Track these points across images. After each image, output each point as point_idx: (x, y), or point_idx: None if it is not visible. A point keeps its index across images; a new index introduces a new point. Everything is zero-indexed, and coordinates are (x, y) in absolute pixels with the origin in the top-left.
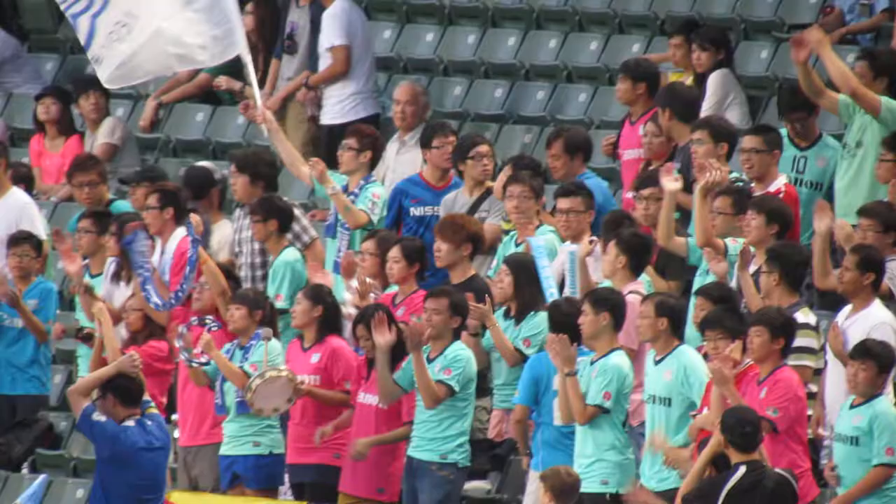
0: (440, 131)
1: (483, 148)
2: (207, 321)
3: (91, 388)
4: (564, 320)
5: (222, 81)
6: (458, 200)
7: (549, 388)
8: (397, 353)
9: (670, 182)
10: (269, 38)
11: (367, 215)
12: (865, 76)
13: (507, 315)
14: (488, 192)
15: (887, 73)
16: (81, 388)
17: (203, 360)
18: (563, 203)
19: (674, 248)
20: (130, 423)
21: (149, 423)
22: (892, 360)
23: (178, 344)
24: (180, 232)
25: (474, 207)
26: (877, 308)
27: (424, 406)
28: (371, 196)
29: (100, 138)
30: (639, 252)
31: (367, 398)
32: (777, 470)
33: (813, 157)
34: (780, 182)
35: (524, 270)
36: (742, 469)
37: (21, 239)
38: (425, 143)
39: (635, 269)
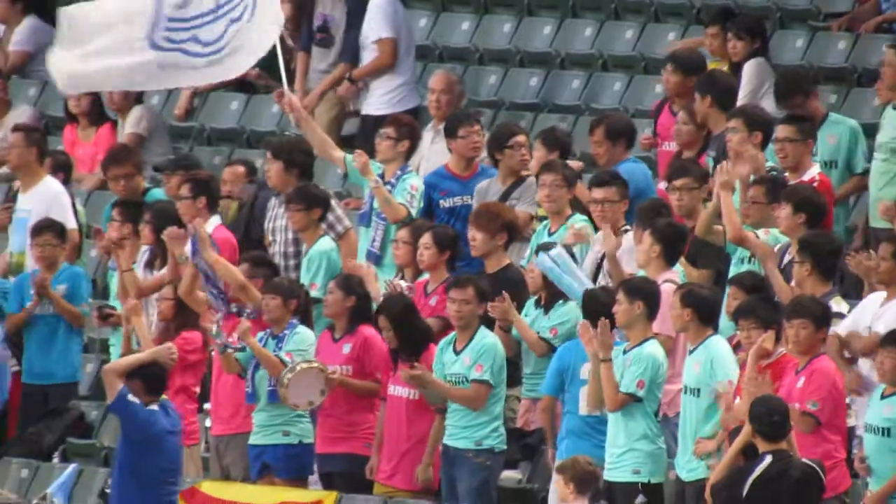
0: (465, 121)
1: (520, 138)
2: (244, 310)
3: (127, 369)
4: (599, 309)
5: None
6: (490, 189)
7: (576, 378)
8: (419, 342)
9: (721, 177)
10: (307, 30)
11: (406, 209)
12: (894, 65)
13: (537, 304)
14: (521, 180)
15: None
16: (119, 369)
17: (238, 345)
18: (598, 193)
19: (712, 238)
20: (154, 407)
21: (168, 408)
22: None
23: (213, 331)
24: (214, 220)
25: (505, 196)
26: None
27: (471, 409)
28: (409, 188)
29: (126, 128)
30: (673, 242)
31: (398, 390)
32: (804, 460)
33: (822, 137)
34: (814, 171)
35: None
36: (768, 458)
37: (42, 228)
38: (450, 133)
39: (669, 259)
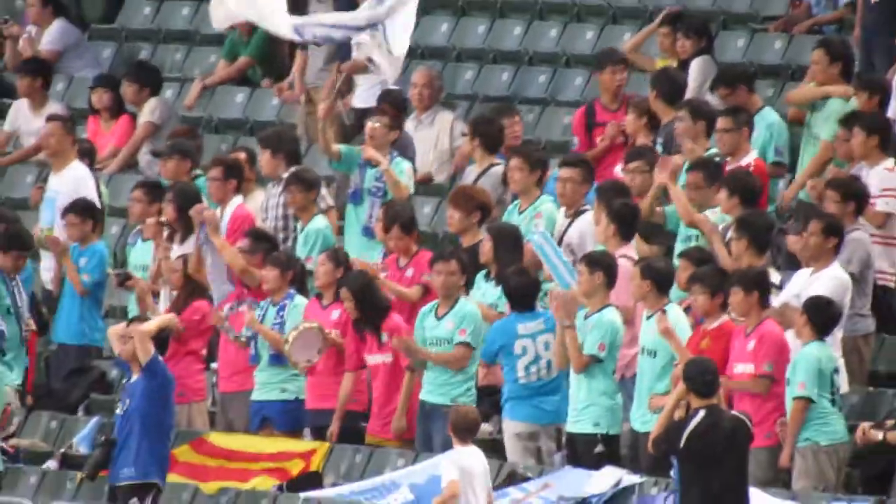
0: (506, 113)
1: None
2: (246, 301)
3: (154, 333)
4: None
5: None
6: (468, 176)
7: (511, 353)
8: (378, 315)
9: (662, 174)
10: None
11: (408, 189)
12: (821, 62)
13: (487, 277)
14: (491, 165)
15: (840, 59)
16: (150, 332)
17: (246, 334)
18: (564, 172)
19: (654, 218)
20: None
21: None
22: (832, 317)
23: (223, 326)
24: (237, 199)
25: (478, 178)
26: (836, 269)
27: (452, 369)
28: (406, 171)
29: (142, 117)
30: (627, 220)
31: (375, 358)
32: (733, 412)
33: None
34: (751, 156)
35: (503, 238)
36: (701, 413)
37: (66, 211)
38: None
39: (625, 236)
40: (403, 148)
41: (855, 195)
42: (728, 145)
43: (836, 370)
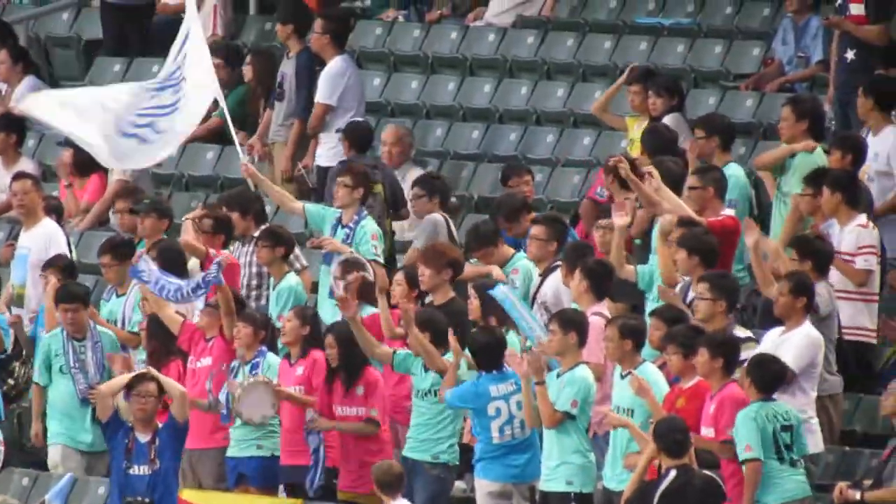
0: (516, 171)
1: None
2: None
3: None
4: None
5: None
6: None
7: (484, 414)
8: (358, 365)
9: (620, 218)
10: (269, 87)
11: (377, 260)
12: (788, 119)
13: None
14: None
15: (808, 116)
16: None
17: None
18: (534, 229)
19: (625, 275)
20: None
21: None
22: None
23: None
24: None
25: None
26: (807, 327)
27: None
28: (370, 240)
29: (114, 175)
30: (600, 278)
31: (345, 410)
32: (705, 472)
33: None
34: (723, 213)
35: (489, 294)
36: (673, 473)
37: (46, 266)
38: (503, 182)
39: (597, 293)
40: (390, 179)
41: (814, 253)
42: (696, 202)
43: (786, 428)
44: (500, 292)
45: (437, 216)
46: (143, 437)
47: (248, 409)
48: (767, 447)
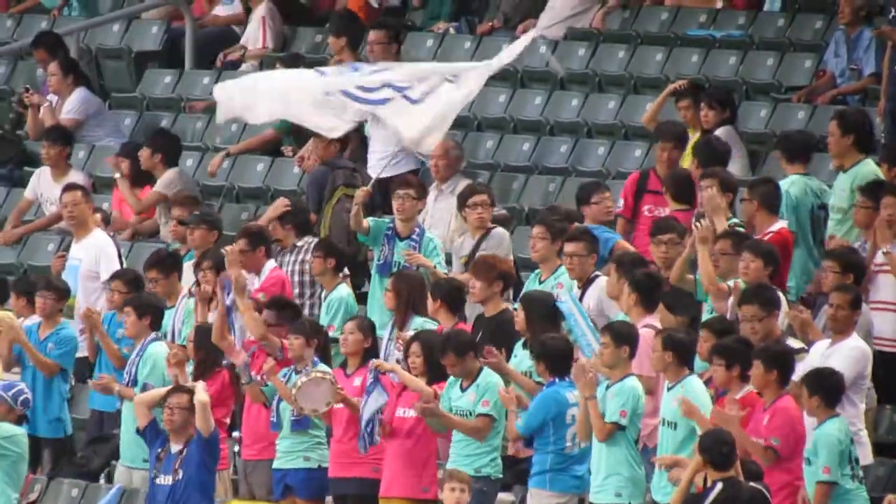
0: (597, 189)
1: (478, 198)
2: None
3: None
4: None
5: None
6: (464, 244)
7: (563, 421)
8: (441, 376)
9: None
10: None
11: (442, 272)
12: (835, 134)
13: (524, 346)
14: (488, 233)
15: (854, 130)
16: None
17: (260, 379)
18: (568, 247)
19: (683, 285)
20: None
21: None
22: (838, 387)
23: (239, 369)
24: (270, 263)
25: (476, 248)
26: (856, 339)
27: (476, 440)
28: (438, 250)
29: (157, 186)
30: (649, 290)
31: (407, 412)
32: (751, 484)
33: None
34: (776, 226)
35: (535, 306)
36: (719, 486)
37: (112, 279)
38: (584, 201)
39: (647, 306)
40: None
41: (855, 266)
42: (745, 215)
43: (852, 442)
44: (566, 306)
45: (502, 230)
46: (175, 448)
47: (303, 398)
48: (844, 465)
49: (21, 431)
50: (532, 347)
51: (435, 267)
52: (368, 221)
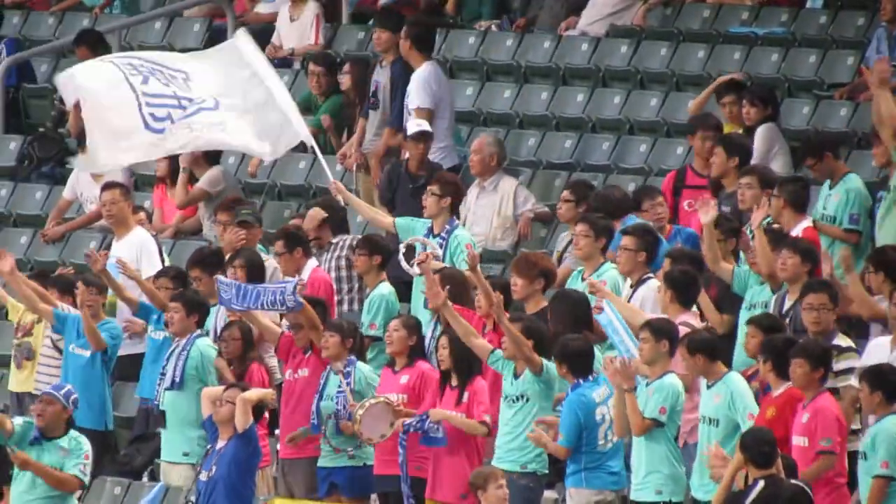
0: (648, 195)
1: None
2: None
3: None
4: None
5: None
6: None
7: (592, 422)
8: (471, 369)
9: (705, 214)
10: (364, 95)
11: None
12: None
13: None
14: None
15: None
16: (254, 400)
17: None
18: (623, 241)
19: (720, 273)
20: None
21: None
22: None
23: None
24: (311, 263)
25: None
26: None
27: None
28: (465, 249)
29: (201, 182)
30: (685, 286)
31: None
32: (793, 481)
33: (833, 193)
34: (802, 225)
35: (565, 306)
36: (761, 483)
37: (157, 276)
38: (635, 206)
39: (683, 302)
40: None
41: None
42: (775, 210)
43: None
44: (604, 317)
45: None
46: (220, 444)
47: (367, 429)
48: None
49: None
50: (553, 350)
51: (445, 268)
52: (393, 220)
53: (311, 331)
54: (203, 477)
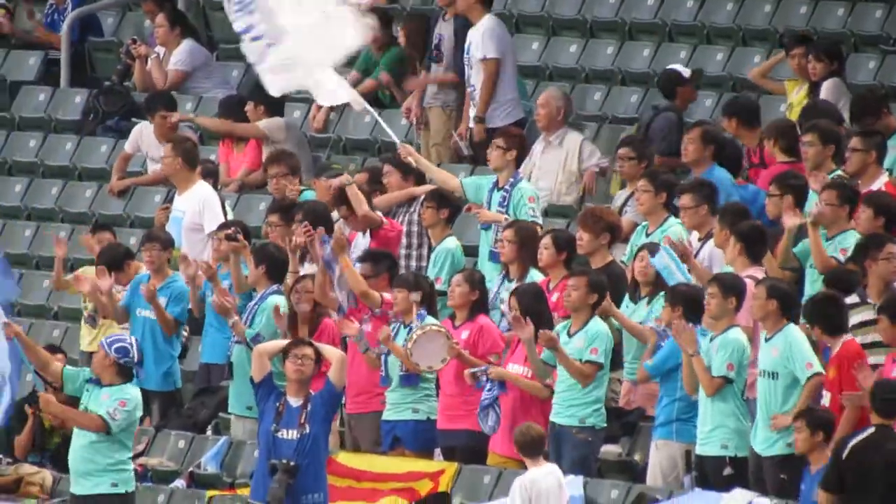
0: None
1: None
2: (377, 312)
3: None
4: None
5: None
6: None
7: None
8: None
9: (791, 218)
10: (422, 49)
11: (535, 224)
12: None
13: (630, 298)
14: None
15: None
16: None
17: (379, 351)
18: (682, 199)
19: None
20: None
21: None
22: None
23: (356, 338)
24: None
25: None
26: None
27: (581, 385)
28: (528, 203)
29: (262, 124)
30: (754, 241)
31: (515, 368)
32: None
33: (891, 147)
34: (882, 179)
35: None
36: (871, 429)
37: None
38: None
39: (752, 257)
40: None
41: None
42: (853, 165)
43: None
44: (660, 261)
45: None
46: (295, 402)
47: (418, 354)
48: None
49: (136, 392)
50: (667, 294)
51: (506, 219)
52: (460, 180)
53: (360, 295)
54: (287, 436)
